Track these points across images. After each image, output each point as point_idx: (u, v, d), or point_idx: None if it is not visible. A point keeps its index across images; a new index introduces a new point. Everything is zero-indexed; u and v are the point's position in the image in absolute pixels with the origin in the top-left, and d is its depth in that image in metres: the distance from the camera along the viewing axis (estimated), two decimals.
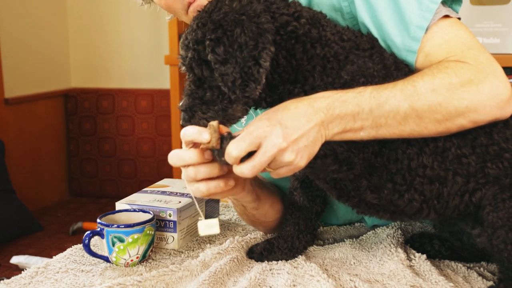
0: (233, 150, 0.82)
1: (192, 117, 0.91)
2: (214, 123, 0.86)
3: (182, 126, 0.92)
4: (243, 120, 1.22)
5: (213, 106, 0.90)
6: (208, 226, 0.93)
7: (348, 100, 0.86)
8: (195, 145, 0.90)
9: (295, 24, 0.91)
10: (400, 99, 0.87)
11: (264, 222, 1.16)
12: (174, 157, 0.90)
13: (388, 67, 0.94)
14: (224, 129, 0.87)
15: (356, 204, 1.01)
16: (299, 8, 0.94)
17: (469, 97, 0.88)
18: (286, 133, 0.81)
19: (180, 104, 0.92)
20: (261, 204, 1.10)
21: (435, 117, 0.88)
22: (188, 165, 0.89)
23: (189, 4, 1.05)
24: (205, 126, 0.88)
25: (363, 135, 0.88)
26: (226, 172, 0.91)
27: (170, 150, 3.76)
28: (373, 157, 0.93)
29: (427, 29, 0.95)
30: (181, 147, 0.92)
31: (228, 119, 0.92)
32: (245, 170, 0.83)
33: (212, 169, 0.89)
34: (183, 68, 0.93)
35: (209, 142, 0.85)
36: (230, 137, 0.85)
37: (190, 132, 0.88)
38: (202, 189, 0.90)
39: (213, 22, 0.87)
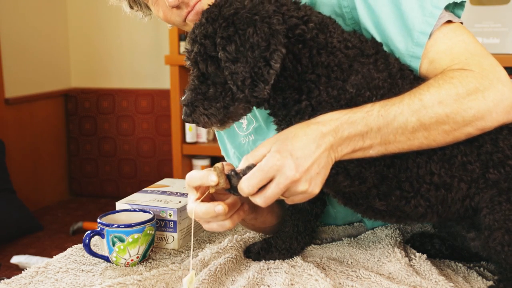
0: (245, 188, 0.83)
1: (193, 111, 0.91)
2: (218, 165, 0.88)
3: (184, 121, 0.93)
4: (244, 122, 1.22)
5: (215, 103, 0.90)
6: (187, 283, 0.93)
7: (357, 121, 0.86)
8: (202, 188, 0.91)
9: (303, 27, 0.90)
10: (408, 114, 0.87)
11: (264, 228, 1.16)
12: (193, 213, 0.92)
13: (393, 75, 0.94)
14: (227, 168, 0.88)
15: (363, 211, 1.02)
16: (308, 12, 0.93)
17: (475, 106, 0.88)
18: (298, 164, 0.82)
19: (182, 98, 0.93)
20: (259, 213, 1.10)
21: (443, 129, 0.88)
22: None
23: (187, 14, 1.04)
24: (205, 122, 0.90)
25: (372, 153, 0.89)
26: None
27: (170, 150, 3.77)
28: (385, 168, 0.93)
29: (430, 35, 0.95)
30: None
31: (230, 117, 0.93)
32: (258, 201, 0.84)
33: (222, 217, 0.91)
34: (188, 62, 0.93)
35: (217, 184, 0.86)
36: (236, 173, 0.86)
37: (198, 177, 0.89)
38: (214, 227, 0.94)
39: (224, 18, 0.87)
